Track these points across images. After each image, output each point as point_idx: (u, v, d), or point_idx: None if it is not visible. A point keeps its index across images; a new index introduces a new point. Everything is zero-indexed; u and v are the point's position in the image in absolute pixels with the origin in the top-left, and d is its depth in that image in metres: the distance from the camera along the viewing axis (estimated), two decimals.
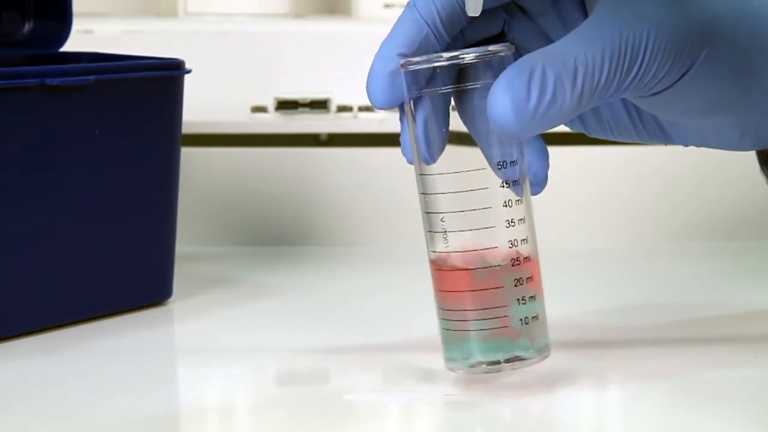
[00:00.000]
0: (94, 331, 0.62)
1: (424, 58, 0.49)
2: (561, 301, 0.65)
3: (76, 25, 0.72)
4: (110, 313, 0.64)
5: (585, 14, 0.51)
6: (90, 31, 0.87)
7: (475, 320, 0.50)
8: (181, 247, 0.68)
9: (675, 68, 0.48)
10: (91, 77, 0.62)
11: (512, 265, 0.50)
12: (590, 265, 0.78)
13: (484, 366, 0.51)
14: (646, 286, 0.72)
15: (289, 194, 0.82)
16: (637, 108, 0.54)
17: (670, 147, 0.56)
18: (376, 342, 0.60)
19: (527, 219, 0.51)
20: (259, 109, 0.85)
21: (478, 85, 0.49)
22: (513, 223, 0.50)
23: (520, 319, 0.50)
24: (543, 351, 0.51)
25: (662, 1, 0.48)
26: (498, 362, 0.51)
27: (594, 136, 0.56)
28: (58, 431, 0.50)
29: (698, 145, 0.54)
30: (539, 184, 0.52)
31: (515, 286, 0.50)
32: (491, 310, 0.50)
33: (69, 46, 0.72)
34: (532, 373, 0.53)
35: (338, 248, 0.81)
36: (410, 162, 0.52)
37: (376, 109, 0.53)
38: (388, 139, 0.81)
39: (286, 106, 0.86)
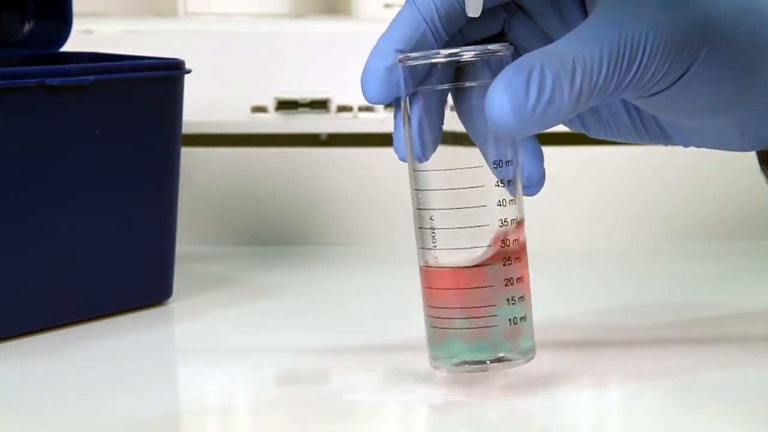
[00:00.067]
0: (94, 331, 0.62)
1: (422, 54, 0.49)
2: (561, 301, 0.65)
3: (76, 25, 0.72)
4: (110, 313, 0.64)
5: (585, 14, 0.51)
6: (90, 31, 0.87)
7: (462, 318, 0.50)
8: (181, 247, 0.68)
9: (674, 68, 0.48)
10: (91, 77, 0.62)
11: (503, 265, 0.50)
12: (590, 265, 0.78)
13: (468, 366, 0.51)
14: (647, 287, 0.72)
15: (289, 194, 0.82)
16: (637, 108, 0.54)
17: (670, 147, 0.56)
18: (376, 342, 0.60)
19: (519, 219, 0.50)
20: (259, 109, 0.85)
21: (476, 84, 0.49)
22: (506, 223, 0.50)
23: (509, 320, 0.50)
24: (528, 353, 0.51)
25: (662, 2, 0.48)
26: (483, 362, 0.51)
27: (594, 136, 0.56)
28: (58, 431, 0.50)
29: (698, 146, 0.54)
30: (534, 185, 0.52)
31: (505, 285, 0.50)
32: (480, 309, 0.50)
33: (69, 46, 0.72)
34: (532, 373, 0.53)
35: (338, 248, 0.81)
36: (401, 158, 0.51)
37: (370, 104, 0.53)
38: (388, 139, 0.80)
39: (286, 106, 0.86)
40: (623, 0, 0.48)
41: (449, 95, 0.50)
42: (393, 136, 0.52)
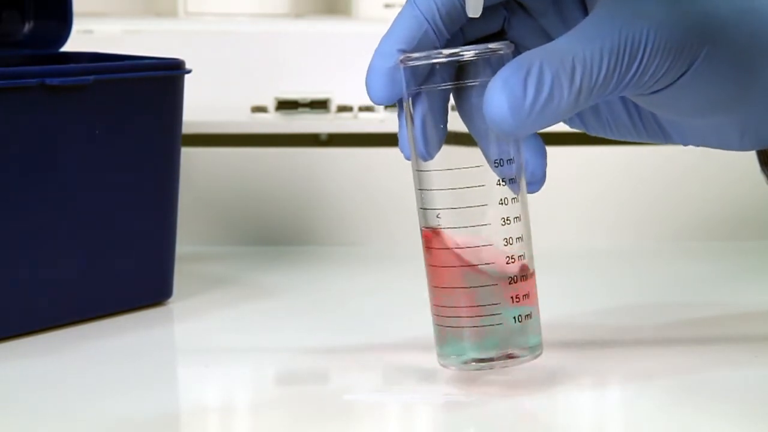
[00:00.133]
0: (94, 331, 0.62)
1: (423, 54, 0.50)
2: (561, 301, 0.65)
3: (76, 25, 0.72)
4: (110, 313, 0.64)
5: (585, 12, 0.51)
6: (90, 31, 0.87)
7: (468, 317, 0.50)
8: (181, 247, 0.68)
9: (675, 67, 0.48)
10: (91, 77, 0.62)
11: (507, 263, 0.50)
12: (591, 265, 0.78)
13: (476, 363, 0.51)
14: (647, 286, 0.72)
15: (289, 194, 0.82)
16: (636, 107, 0.54)
17: (670, 147, 0.56)
18: (376, 342, 0.60)
19: (523, 217, 0.51)
20: (259, 109, 0.85)
21: (476, 83, 0.50)
22: (508, 221, 0.50)
23: (514, 317, 0.50)
24: (536, 350, 0.51)
25: (662, 0, 0.48)
26: (490, 360, 0.51)
27: (593, 134, 0.56)
28: (58, 431, 0.50)
29: (698, 145, 0.54)
30: (537, 182, 0.52)
31: (510, 284, 0.50)
32: (485, 308, 0.50)
33: (69, 46, 0.72)
34: (532, 372, 0.53)
35: (338, 248, 0.81)
36: (407, 158, 0.51)
37: (374, 105, 0.53)
38: (388, 139, 0.81)
39: (286, 106, 0.85)
40: None
41: (451, 95, 0.50)
42: (398, 136, 0.52)
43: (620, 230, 0.83)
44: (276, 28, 0.91)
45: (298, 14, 1.00)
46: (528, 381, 0.53)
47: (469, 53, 0.49)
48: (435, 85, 0.50)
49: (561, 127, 0.54)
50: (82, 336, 0.62)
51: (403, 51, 0.50)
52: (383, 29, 0.51)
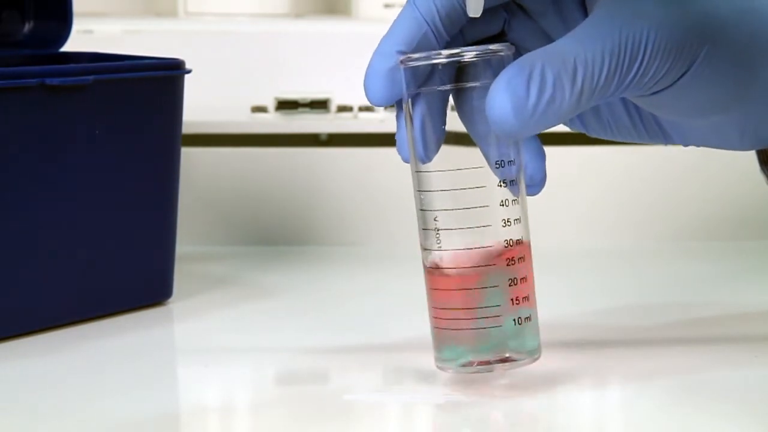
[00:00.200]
0: (94, 331, 0.62)
1: (423, 55, 0.49)
2: (561, 301, 0.65)
3: (76, 25, 0.72)
4: (110, 313, 0.64)
5: (585, 14, 0.51)
6: (90, 31, 0.87)
7: (467, 319, 0.50)
8: (181, 247, 0.68)
9: (675, 67, 0.48)
10: (91, 77, 0.62)
11: (507, 265, 0.50)
12: (591, 265, 0.78)
13: (474, 366, 0.51)
14: (647, 287, 0.72)
15: (289, 194, 0.82)
16: (636, 107, 0.54)
17: (670, 147, 0.56)
18: (376, 342, 0.60)
19: (523, 219, 0.51)
20: (259, 109, 0.85)
21: (477, 85, 0.49)
22: (509, 223, 0.50)
23: (514, 320, 0.50)
24: (534, 353, 0.51)
25: (662, 1, 0.48)
26: (489, 362, 0.51)
27: (594, 135, 0.56)
28: (58, 431, 0.50)
29: (698, 145, 0.54)
30: (536, 185, 0.52)
31: (509, 286, 0.50)
32: (484, 310, 0.50)
33: (69, 46, 0.72)
34: (532, 373, 0.53)
35: (338, 248, 0.81)
36: (405, 160, 0.51)
37: (373, 106, 0.53)
38: (388, 139, 0.80)
39: (286, 106, 0.85)
40: None
41: (451, 96, 0.50)
42: (396, 137, 0.52)
43: (620, 230, 0.83)
44: (276, 28, 0.91)
45: (298, 14, 1.00)
46: (528, 381, 0.53)
47: (469, 54, 0.49)
48: (435, 86, 0.50)
49: (561, 128, 0.54)
50: (82, 336, 0.62)
51: (403, 52, 0.50)
52: (383, 29, 0.51)
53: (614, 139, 0.56)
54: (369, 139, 0.83)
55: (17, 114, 0.59)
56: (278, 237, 0.82)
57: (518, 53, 0.51)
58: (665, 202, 0.83)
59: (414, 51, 0.50)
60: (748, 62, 0.49)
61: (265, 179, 0.82)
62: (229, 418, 0.52)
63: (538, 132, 0.47)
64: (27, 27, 0.72)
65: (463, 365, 0.51)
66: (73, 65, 0.66)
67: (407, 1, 0.51)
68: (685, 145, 0.54)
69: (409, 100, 0.50)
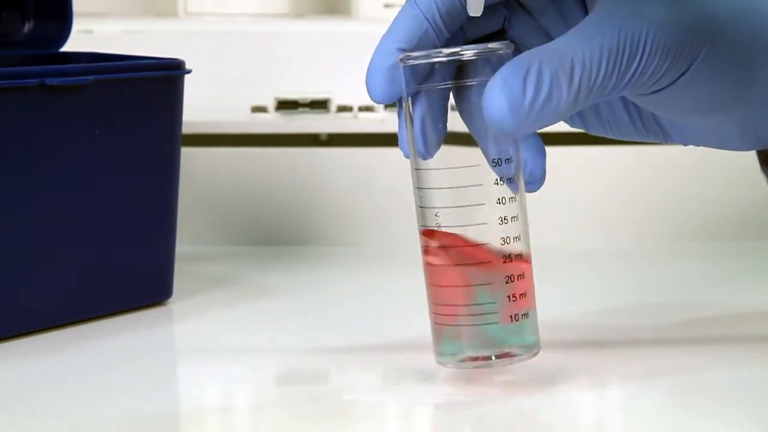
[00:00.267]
0: (94, 331, 0.62)
1: (423, 53, 0.50)
2: (561, 301, 0.65)
3: (76, 25, 0.72)
4: (110, 313, 0.64)
5: (585, 12, 0.51)
6: (90, 31, 0.87)
7: (465, 315, 0.51)
8: (181, 247, 0.68)
9: (674, 67, 0.48)
10: (91, 77, 0.62)
11: (504, 262, 0.50)
12: (591, 265, 0.78)
13: (473, 362, 0.51)
14: (647, 286, 0.72)
15: (289, 194, 0.82)
16: (636, 106, 0.54)
17: (670, 147, 0.56)
18: (376, 342, 0.60)
19: (521, 217, 0.51)
20: (259, 109, 0.85)
21: (476, 82, 0.50)
22: (506, 221, 0.50)
23: (511, 316, 0.50)
24: (532, 348, 0.51)
25: (662, 0, 0.48)
26: (488, 358, 0.51)
27: (594, 133, 0.56)
28: (58, 431, 0.50)
29: (697, 144, 0.54)
30: (536, 182, 0.52)
31: (506, 282, 0.50)
32: (482, 306, 0.50)
33: (69, 46, 0.72)
34: (532, 372, 0.53)
35: (338, 248, 0.81)
36: (407, 157, 0.52)
37: (374, 105, 0.53)
38: (388, 139, 0.81)
39: (286, 106, 0.85)
40: None
41: (451, 93, 0.51)
42: (398, 135, 0.52)
43: (620, 230, 0.83)
44: (276, 28, 0.91)
45: (298, 14, 1.00)
46: (528, 381, 0.53)
47: (468, 52, 0.49)
48: (434, 84, 0.50)
49: (561, 127, 0.54)
50: (82, 336, 0.62)
51: (403, 50, 0.50)
52: (383, 29, 0.51)
53: (614, 138, 0.56)
54: (369, 139, 0.83)
55: (17, 114, 0.59)
56: (278, 237, 0.82)
57: (518, 51, 0.51)
58: (665, 202, 0.83)
59: (414, 48, 0.50)
60: (748, 62, 0.49)
61: (265, 179, 0.82)
62: (229, 418, 0.52)
63: (535, 130, 0.47)
64: (27, 27, 0.72)
65: (462, 361, 0.51)
66: (73, 65, 0.66)
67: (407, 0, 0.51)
68: (685, 144, 0.54)
69: (409, 98, 0.50)
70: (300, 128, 0.84)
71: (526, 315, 0.51)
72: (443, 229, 0.50)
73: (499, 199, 0.50)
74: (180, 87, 0.66)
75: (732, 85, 0.50)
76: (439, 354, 0.52)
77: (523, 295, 0.51)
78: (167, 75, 0.65)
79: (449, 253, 0.51)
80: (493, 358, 0.51)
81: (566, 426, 0.50)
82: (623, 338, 0.60)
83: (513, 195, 0.50)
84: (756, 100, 0.50)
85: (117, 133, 0.63)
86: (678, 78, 0.49)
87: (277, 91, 0.86)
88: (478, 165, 0.50)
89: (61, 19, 0.72)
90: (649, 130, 0.54)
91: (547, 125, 0.47)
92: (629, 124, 0.54)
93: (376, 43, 0.51)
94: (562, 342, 0.58)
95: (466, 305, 0.51)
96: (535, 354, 0.51)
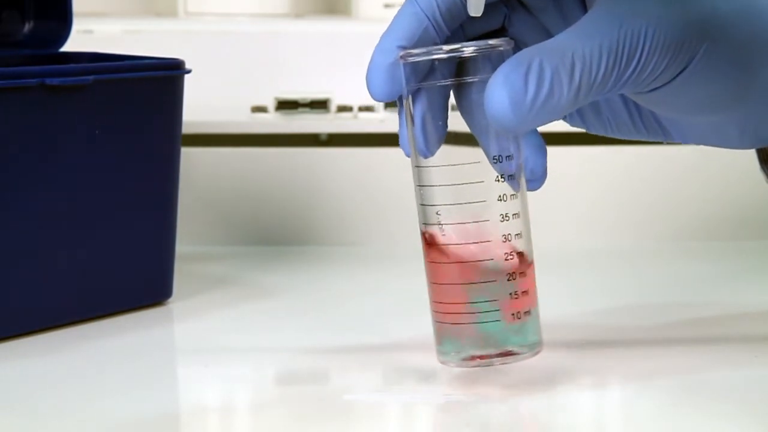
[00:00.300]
0: (94, 331, 0.62)
1: (423, 50, 0.50)
2: (561, 301, 0.65)
3: (76, 25, 0.72)
4: (110, 313, 0.64)
5: (585, 10, 0.51)
6: (90, 31, 0.87)
7: (467, 313, 0.50)
8: (181, 247, 0.68)
9: (673, 64, 0.48)
10: (91, 77, 0.62)
11: (505, 260, 0.50)
12: (591, 265, 0.78)
13: (476, 360, 0.51)
14: (647, 287, 0.72)
15: (289, 194, 0.82)
16: (636, 105, 0.54)
17: (670, 147, 0.56)
18: (376, 342, 0.60)
19: (522, 214, 0.51)
20: (259, 109, 0.85)
21: (476, 79, 0.49)
22: (507, 218, 0.50)
23: (513, 314, 0.50)
24: (535, 346, 0.51)
25: None
26: (489, 356, 0.51)
27: (594, 132, 0.56)
28: (58, 431, 0.50)
29: (697, 143, 0.54)
30: (537, 180, 0.52)
31: (508, 280, 0.50)
32: (483, 304, 0.50)
33: (69, 46, 0.72)
34: (532, 372, 0.53)
35: (338, 248, 0.81)
36: (408, 155, 0.52)
37: (374, 105, 0.53)
38: (388, 139, 0.81)
39: (286, 106, 0.85)
40: None
41: (451, 91, 0.51)
42: (399, 133, 0.52)
43: (620, 230, 0.83)
44: (276, 28, 0.91)
45: (298, 14, 1.00)
46: (528, 381, 0.53)
47: (468, 49, 0.49)
48: (435, 81, 0.50)
49: (561, 127, 0.54)
50: (82, 336, 0.62)
51: (403, 48, 0.50)
52: (383, 29, 0.51)
53: (614, 136, 0.56)
54: (369, 139, 0.83)
55: (17, 114, 0.59)
56: (278, 237, 0.82)
57: (518, 49, 0.51)
58: (665, 202, 0.83)
59: (415, 46, 0.50)
60: (748, 61, 0.49)
61: (265, 179, 0.82)
62: (229, 418, 0.52)
63: (536, 127, 0.47)
64: (27, 27, 0.72)
65: (465, 359, 0.51)
66: (73, 65, 0.66)
67: None
68: (685, 143, 0.54)
69: (410, 95, 0.50)
70: (300, 128, 0.84)
71: (528, 313, 0.51)
72: (445, 227, 0.50)
73: (500, 197, 0.50)
74: (180, 87, 0.66)
75: (731, 83, 0.50)
76: (442, 353, 0.52)
77: (525, 292, 0.51)
78: (167, 75, 0.65)
79: (451, 250, 0.50)
80: (496, 356, 0.51)
81: (566, 426, 0.50)
82: (623, 338, 0.60)
83: (514, 192, 0.50)
84: (755, 98, 0.50)
85: (117, 133, 0.63)
86: (677, 75, 0.49)
87: (277, 91, 0.86)
88: (479, 162, 0.50)
89: (61, 19, 0.72)
90: (649, 128, 0.54)
91: (548, 122, 0.47)
92: (629, 123, 0.54)
93: (376, 42, 0.51)
94: (562, 342, 0.58)
95: (468, 303, 0.50)
96: (538, 352, 0.51)
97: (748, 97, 0.50)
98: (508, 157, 0.50)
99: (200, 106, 0.76)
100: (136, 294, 0.66)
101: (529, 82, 0.46)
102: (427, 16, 0.50)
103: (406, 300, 0.65)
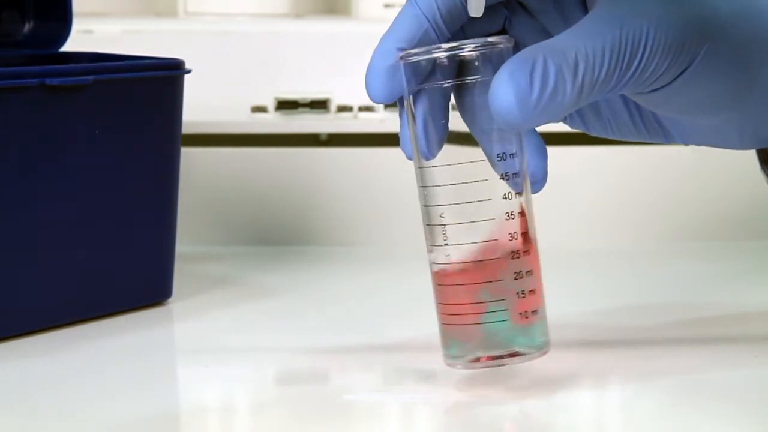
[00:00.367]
0: (94, 331, 0.62)
1: (423, 49, 0.49)
2: (561, 301, 0.65)
3: (76, 25, 0.72)
4: (110, 313, 0.64)
5: (585, 11, 0.51)
6: (90, 31, 0.87)
7: (474, 314, 0.50)
8: (181, 247, 0.68)
9: (674, 65, 0.48)
10: (91, 77, 0.62)
11: (512, 258, 0.50)
12: (591, 265, 0.78)
13: (483, 361, 0.51)
14: (647, 287, 0.72)
15: (289, 194, 0.82)
16: (637, 106, 0.54)
17: (670, 147, 0.56)
18: (376, 342, 0.60)
19: (527, 213, 0.50)
20: (259, 109, 0.85)
21: (477, 80, 0.49)
22: (512, 216, 0.50)
23: (520, 313, 0.50)
24: (542, 347, 0.51)
25: None
26: (497, 357, 0.51)
27: (594, 134, 0.56)
28: (58, 431, 0.50)
29: (698, 144, 0.54)
30: (538, 182, 0.52)
31: (515, 279, 0.50)
32: (490, 304, 0.50)
33: (69, 46, 0.72)
34: (533, 373, 0.53)
35: (338, 248, 0.81)
36: (409, 158, 0.51)
37: (374, 104, 0.53)
38: (388, 139, 0.81)
39: (286, 106, 0.85)
40: None
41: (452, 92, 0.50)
42: (399, 135, 0.52)
43: (620, 230, 0.83)
44: (276, 28, 0.91)
45: (298, 14, 1.00)
46: (528, 381, 0.53)
47: (468, 47, 0.49)
48: (435, 82, 0.50)
49: (561, 127, 0.54)
50: (82, 336, 0.62)
51: (403, 49, 0.50)
52: (383, 29, 0.51)
53: (615, 138, 0.56)
54: (369, 139, 0.83)
55: (17, 114, 0.59)
56: (278, 237, 0.82)
57: (518, 50, 0.51)
58: (665, 202, 0.83)
59: (414, 48, 0.50)
60: (748, 61, 0.49)
61: (265, 179, 0.82)
62: (229, 418, 0.52)
63: (540, 125, 0.47)
64: (27, 27, 0.72)
65: (472, 361, 0.51)
66: (73, 65, 0.66)
67: None
68: (685, 143, 0.54)
69: (411, 96, 0.50)
70: (300, 128, 0.84)
71: (535, 312, 0.50)
72: (448, 226, 0.50)
73: (505, 195, 0.50)
74: (180, 87, 0.66)
75: (732, 84, 0.50)
76: (448, 356, 0.52)
77: (532, 291, 0.50)
78: (167, 75, 0.65)
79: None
80: (503, 357, 0.50)
81: (566, 426, 0.50)
82: (623, 338, 0.60)
83: (518, 190, 0.50)
84: (756, 99, 0.50)
85: (117, 133, 0.63)
86: (678, 76, 0.49)
87: (277, 91, 0.86)
88: (483, 160, 0.50)
89: (61, 19, 0.72)
90: (650, 129, 0.54)
91: (552, 120, 0.47)
92: (630, 124, 0.54)
93: (376, 43, 0.51)
94: (562, 342, 0.58)
95: (474, 303, 0.50)
96: (545, 352, 0.51)
97: (749, 98, 0.50)
98: (512, 155, 0.50)
99: (200, 106, 0.76)
100: (136, 294, 0.66)
101: (534, 80, 0.46)
102: (427, 18, 0.50)
103: (406, 300, 0.65)
